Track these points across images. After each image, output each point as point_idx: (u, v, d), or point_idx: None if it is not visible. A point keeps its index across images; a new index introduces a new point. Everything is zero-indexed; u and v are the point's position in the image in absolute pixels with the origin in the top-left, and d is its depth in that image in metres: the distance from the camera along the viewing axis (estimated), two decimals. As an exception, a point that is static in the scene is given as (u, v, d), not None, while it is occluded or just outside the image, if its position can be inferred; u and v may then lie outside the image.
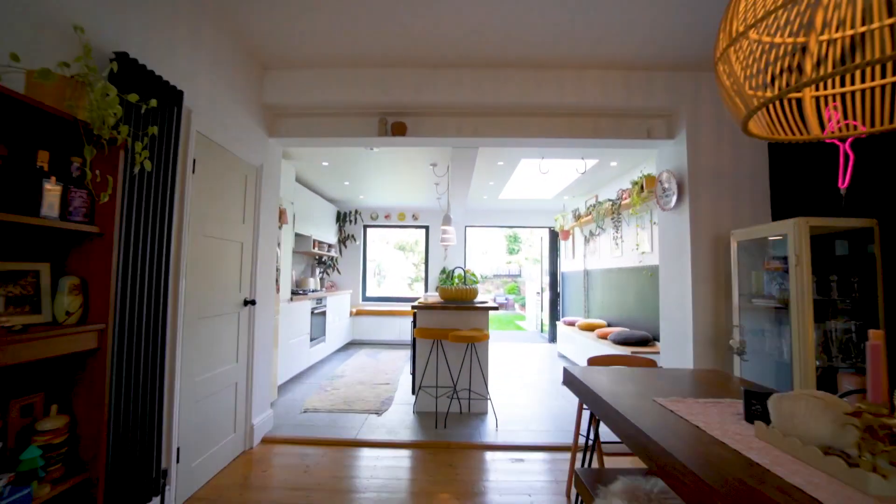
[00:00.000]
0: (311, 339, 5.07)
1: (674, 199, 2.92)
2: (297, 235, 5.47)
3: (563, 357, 6.03)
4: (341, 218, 7.05)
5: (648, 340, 4.09)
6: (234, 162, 2.67)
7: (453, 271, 6.22)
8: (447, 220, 5.30)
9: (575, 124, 3.08)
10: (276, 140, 3.14)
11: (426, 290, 7.67)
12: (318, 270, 6.85)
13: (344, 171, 5.01)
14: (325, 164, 4.67)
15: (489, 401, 3.55)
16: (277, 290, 3.86)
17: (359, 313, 7.04)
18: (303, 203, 5.34)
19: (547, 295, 8.02)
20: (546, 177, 5.44)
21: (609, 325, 5.21)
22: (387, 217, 7.67)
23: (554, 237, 7.65)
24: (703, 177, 2.83)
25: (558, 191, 6.08)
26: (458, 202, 5.80)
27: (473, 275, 6.64)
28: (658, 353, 3.77)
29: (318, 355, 5.34)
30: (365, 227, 7.76)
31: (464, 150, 3.45)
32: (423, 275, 7.72)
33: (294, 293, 4.93)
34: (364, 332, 7.01)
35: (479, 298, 4.12)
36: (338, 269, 7.19)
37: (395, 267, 14.06)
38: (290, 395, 4.01)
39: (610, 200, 4.92)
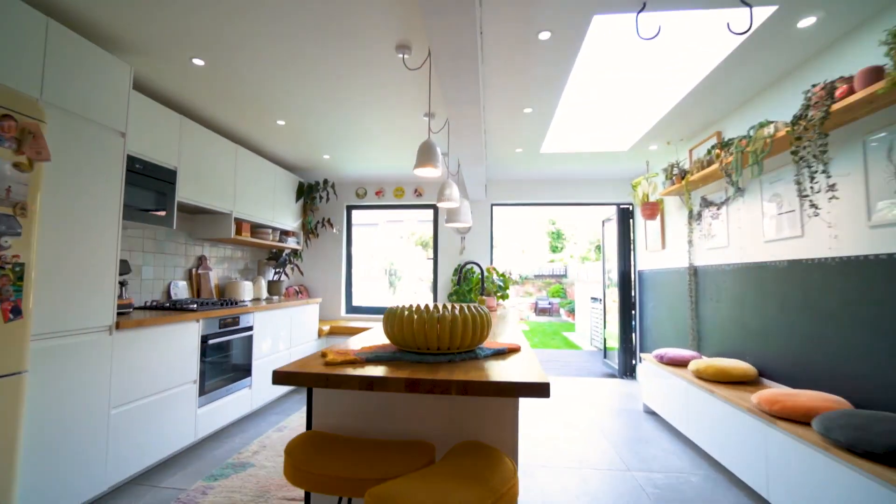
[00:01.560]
0: (205, 391, 2.85)
1: None
2: (195, 209, 3.29)
3: (652, 415, 3.48)
4: (305, 192, 4.85)
5: (950, 450, 1.52)
6: None
7: (463, 267, 3.78)
8: (448, 186, 2.94)
9: None
10: None
11: (435, 299, 5.32)
12: (268, 271, 4.68)
13: (245, 80, 2.75)
14: (198, 62, 2.43)
15: None
16: (7, 313, 1.65)
17: (333, 332, 4.80)
18: (197, 149, 3.14)
19: (614, 304, 5.44)
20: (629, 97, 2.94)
21: (762, 376, 2.63)
22: (378, 193, 5.39)
23: (625, 218, 5.07)
24: None
25: (643, 133, 3.55)
26: (473, 151, 3.39)
27: (502, 275, 4.22)
28: None
29: (226, 416, 3.12)
30: (349, 207, 5.53)
31: None
32: (448, 276, 5.32)
33: (157, 307, 2.74)
34: (341, 360, 4.75)
35: (503, 330, 1.71)
36: (299, 269, 4.98)
37: (412, 266, 11.81)
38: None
39: (784, 123, 2.35)
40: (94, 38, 2.18)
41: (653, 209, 4.05)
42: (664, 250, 4.20)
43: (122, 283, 2.61)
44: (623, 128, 3.60)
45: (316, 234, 5.19)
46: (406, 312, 1.31)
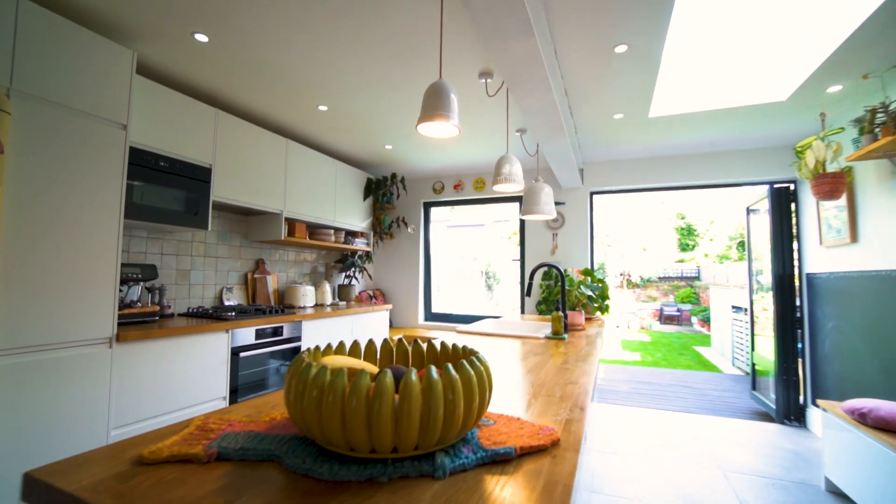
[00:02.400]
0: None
1: None
2: (247, 211, 3.09)
3: (842, 499, 2.23)
4: (374, 189, 4.48)
5: None
6: None
7: (537, 271, 2.80)
8: (505, 161, 2.24)
9: None
10: None
11: (522, 310, 4.55)
12: (336, 275, 4.42)
13: (272, 61, 2.38)
14: (201, 37, 2.11)
15: None
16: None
17: (408, 339, 4.35)
18: (237, 144, 2.91)
19: (764, 314, 4.02)
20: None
21: None
22: (457, 187, 4.81)
23: (783, 201, 3.65)
24: None
25: (813, 68, 2.32)
26: (547, 118, 2.58)
27: (599, 281, 3.30)
28: None
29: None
30: (426, 205, 5.05)
31: None
32: (537, 280, 4.51)
33: (197, 315, 2.51)
34: (414, 373, 4.28)
35: (569, 375, 0.95)
36: (368, 272, 4.63)
37: (512, 269, 10.99)
38: None
39: None
40: (85, 21, 1.99)
41: (834, 184, 2.72)
42: (855, 244, 2.82)
43: (149, 290, 2.46)
44: (777, 66, 2.43)
45: (391, 235, 4.83)
46: (303, 367, 0.66)
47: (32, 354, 1.69)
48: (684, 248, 17.58)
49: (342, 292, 4.34)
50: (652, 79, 2.49)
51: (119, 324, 2.13)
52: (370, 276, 4.62)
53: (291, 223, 3.38)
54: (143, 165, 2.28)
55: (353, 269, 4.32)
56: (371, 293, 4.81)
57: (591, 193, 4.37)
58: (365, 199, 4.40)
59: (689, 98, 2.83)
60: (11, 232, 1.63)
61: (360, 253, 4.54)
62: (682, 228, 18.17)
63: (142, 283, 2.36)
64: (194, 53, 2.26)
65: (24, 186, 1.67)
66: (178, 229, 2.60)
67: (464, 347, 0.87)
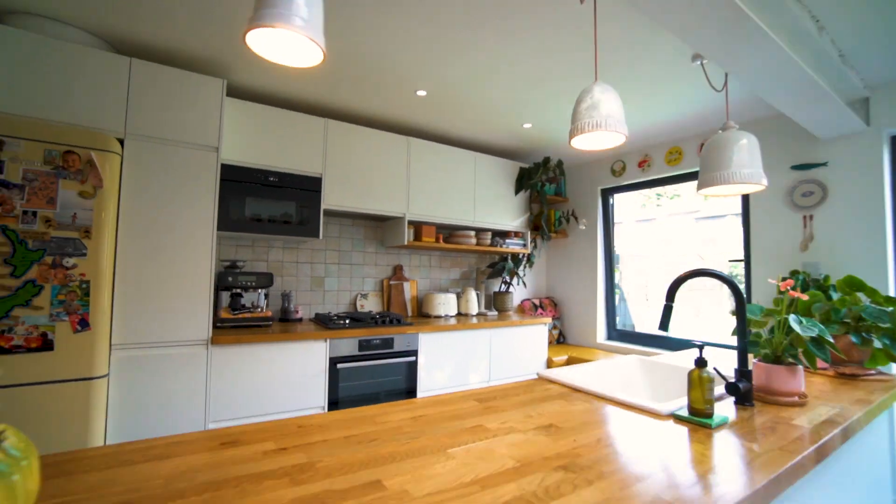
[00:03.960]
0: (343, 421, 2.50)
1: None
2: (377, 217, 3.06)
3: None
4: (525, 178, 3.78)
5: None
6: None
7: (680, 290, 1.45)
8: (586, 95, 1.35)
9: None
10: None
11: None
12: (486, 281, 3.94)
13: (359, 49, 2.19)
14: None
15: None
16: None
17: (574, 362, 3.52)
18: (348, 150, 2.87)
19: None
20: None
21: None
22: (642, 164, 3.61)
23: None
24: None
25: None
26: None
27: (889, 302, 1.78)
28: None
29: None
30: (604, 192, 4.01)
31: None
32: (771, 292, 2.96)
33: (319, 321, 2.56)
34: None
35: None
36: (522, 279, 3.89)
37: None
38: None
39: None
40: (178, 62, 2.26)
41: None
42: None
43: (267, 296, 2.67)
44: None
45: (564, 233, 4.07)
46: None
47: (145, 350, 2.01)
48: None
49: (497, 301, 3.87)
50: None
51: (230, 327, 2.36)
52: (524, 284, 3.95)
53: (417, 226, 3.17)
54: (253, 182, 2.49)
55: (501, 274, 3.78)
56: (537, 303, 4.14)
57: (893, 138, 2.44)
58: (517, 192, 3.80)
59: None
60: (127, 249, 1.98)
61: (520, 256, 3.96)
62: None
63: (259, 291, 2.59)
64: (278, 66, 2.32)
65: (137, 211, 2.00)
66: (295, 239, 2.76)
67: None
